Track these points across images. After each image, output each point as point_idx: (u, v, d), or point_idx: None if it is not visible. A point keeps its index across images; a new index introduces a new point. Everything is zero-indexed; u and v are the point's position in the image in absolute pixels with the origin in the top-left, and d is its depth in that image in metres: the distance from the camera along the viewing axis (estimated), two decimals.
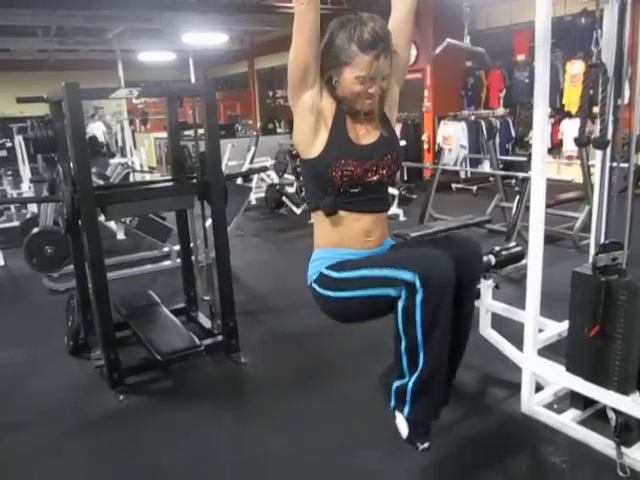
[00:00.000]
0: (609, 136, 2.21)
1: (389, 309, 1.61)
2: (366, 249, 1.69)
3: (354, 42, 1.52)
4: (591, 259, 2.21)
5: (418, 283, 1.45)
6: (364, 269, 1.59)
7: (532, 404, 2.47)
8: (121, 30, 10.32)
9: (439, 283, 1.47)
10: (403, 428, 1.73)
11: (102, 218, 3.27)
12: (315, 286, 1.72)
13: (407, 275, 1.47)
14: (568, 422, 2.35)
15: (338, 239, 1.69)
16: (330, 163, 1.59)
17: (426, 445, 1.74)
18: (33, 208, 6.03)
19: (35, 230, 4.30)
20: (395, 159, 1.68)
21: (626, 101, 2.28)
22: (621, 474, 2.06)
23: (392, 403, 1.71)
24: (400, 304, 1.52)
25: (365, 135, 1.66)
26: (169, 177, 3.60)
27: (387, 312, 1.65)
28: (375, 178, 1.63)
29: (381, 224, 1.73)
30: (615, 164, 2.30)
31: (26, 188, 6.83)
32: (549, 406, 2.49)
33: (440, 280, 1.47)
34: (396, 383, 1.66)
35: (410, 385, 1.61)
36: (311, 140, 1.62)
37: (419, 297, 1.47)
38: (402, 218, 6.50)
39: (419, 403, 1.64)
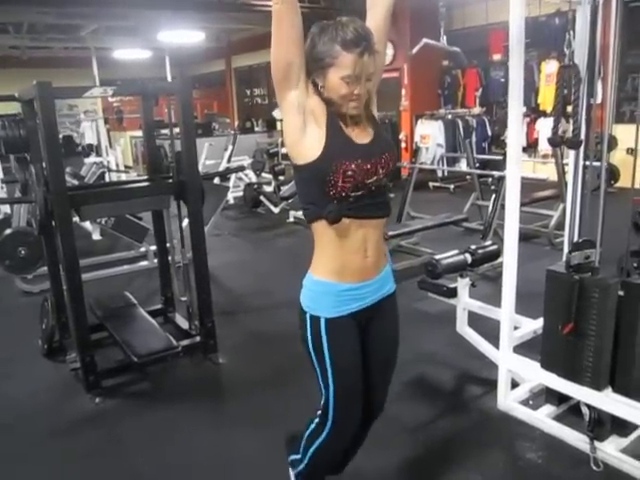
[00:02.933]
0: (582, 136, 2.24)
1: None
2: (366, 280, 1.65)
3: (337, 43, 1.50)
4: (565, 257, 2.25)
5: (328, 427, 1.74)
6: (332, 373, 1.73)
7: (508, 401, 2.50)
8: (95, 28, 10.16)
9: (343, 439, 1.77)
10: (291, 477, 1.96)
11: (77, 218, 3.22)
12: (306, 318, 1.73)
13: (330, 415, 1.72)
14: (543, 418, 2.39)
15: (340, 264, 1.62)
16: (331, 164, 1.52)
17: None
18: (6, 209, 5.91)
19: (8, 231, 4.20)
20: (391, 157, 1.65)
21: (599, 100, 2.31)
22: (595, 468, 2.10)
23: (288, 460, 1.96)
24: (313, 424, 1.81)
25: (359, 136, 1.61)
26: (145, 177, 3.56)
27: None
28: (374, 179, 1.58)
29: (380, 234, 1.69)
30: (588, 163, 2.34)
31: None
32: (525, 402, 2.53)
33: (345, 440, 1.78)
34: (292, 456, 1.92)
35: (301, 468, 1.88)
36: (300, 141, 1.56)
37: (324, 435, 1.75)
38: None
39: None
